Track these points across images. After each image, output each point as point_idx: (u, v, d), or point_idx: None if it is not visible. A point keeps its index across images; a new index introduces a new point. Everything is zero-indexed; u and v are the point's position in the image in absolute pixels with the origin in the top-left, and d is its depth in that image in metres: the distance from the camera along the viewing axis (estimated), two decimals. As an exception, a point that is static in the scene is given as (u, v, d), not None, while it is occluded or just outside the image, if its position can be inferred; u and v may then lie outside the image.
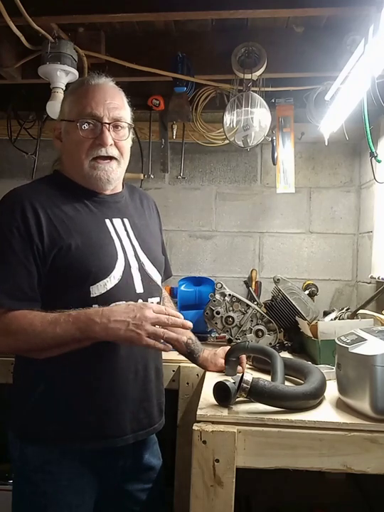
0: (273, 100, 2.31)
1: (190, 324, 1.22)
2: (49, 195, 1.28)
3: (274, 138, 2.35)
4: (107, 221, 1.33)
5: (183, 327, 1.20)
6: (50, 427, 1.23)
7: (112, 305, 1.23)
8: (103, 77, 1.35)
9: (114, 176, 1.33)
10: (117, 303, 1.24)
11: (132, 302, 1.22)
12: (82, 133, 1.29)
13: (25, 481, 1.26)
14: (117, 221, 1.35)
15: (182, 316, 1.21)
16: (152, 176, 2.61)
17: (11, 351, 1.28)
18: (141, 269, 1.34)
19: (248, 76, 2.04)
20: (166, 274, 1.53)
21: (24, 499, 1.27)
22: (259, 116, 2.14)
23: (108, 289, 1.24)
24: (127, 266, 1.30)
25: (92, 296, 1.23)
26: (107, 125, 1.30)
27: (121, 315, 1.16)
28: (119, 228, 1.35)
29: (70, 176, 1.35)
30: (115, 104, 1.32)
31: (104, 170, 1.31)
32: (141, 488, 1.39)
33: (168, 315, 1.18)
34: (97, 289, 1.23)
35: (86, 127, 1.29)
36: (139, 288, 1.32)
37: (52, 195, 1.29)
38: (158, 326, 1.17)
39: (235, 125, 2.18)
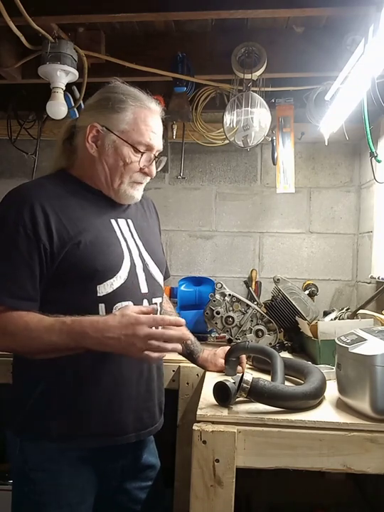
0: (273, 100, 2.30)
1: (183, 321, 1.18)
2: (57, 194, 1.28)
3: (274, 138, 2.35)
4: (113, 221, 1.34)
5: (177, 325, 1.17)
6: (50, 425, 1.23)
7: (117, 305, 1.24)
8: (153, 100, 1.37)
9: None
10: (121, 303, 1.24)
11: (128, 313, 1.15)
12: (134, 157, 1.31)
13: (25, 480, 1.26)
14: (122, 221, 1.36)
15: (183, 321, 1.18)
16: (152, 176, 2.62)
17: (7, 351, 1.28)
18: (146, 269, 1.34)
19: (248, 76, 2.04)
20: (165, 276, 1.53)
21: (24, 498, 1.27)
22: (259, 116, 2.14)
23: (114, 288, 1.24)
24: (132, 266, 1.30)
25: (98, 295, 1.22)
26: (156, 157, 1.35)
27: (115, 331, 1.12)
28: (123, 228, 1.35)
29: (81, 178, 1.34)
30: (160, 134, 1.36)
31: (138, 191, 1.36)
32: (140, 486, 1.40)
33: (165, 323, 1.15)
34: (104, 289, 1.23)
35: (140, 154, 1.31)
36: (144, 288, 1.32)
37: (60, 194, 1.28)
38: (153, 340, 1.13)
39: (235, 125, 2.18)
